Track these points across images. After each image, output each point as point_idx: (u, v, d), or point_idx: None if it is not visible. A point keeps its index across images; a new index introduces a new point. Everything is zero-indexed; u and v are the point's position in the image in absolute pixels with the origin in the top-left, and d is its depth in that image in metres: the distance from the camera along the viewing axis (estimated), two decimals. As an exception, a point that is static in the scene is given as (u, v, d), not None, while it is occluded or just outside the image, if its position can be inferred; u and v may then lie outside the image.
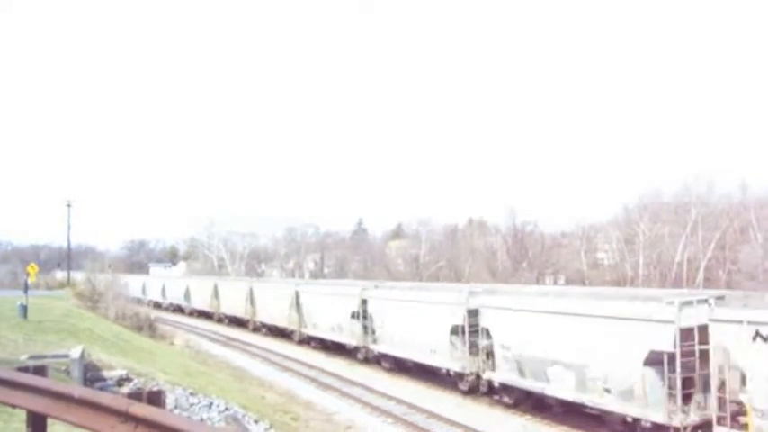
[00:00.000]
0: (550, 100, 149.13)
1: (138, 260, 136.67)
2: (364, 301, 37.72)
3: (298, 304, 46.21)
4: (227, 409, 21.25)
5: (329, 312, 41.47)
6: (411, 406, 27.34)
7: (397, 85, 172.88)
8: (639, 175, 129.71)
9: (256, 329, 53.90)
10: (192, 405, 20.65)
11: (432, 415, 25.81)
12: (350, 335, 39.09)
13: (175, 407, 19.36)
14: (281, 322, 48.50)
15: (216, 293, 63.62)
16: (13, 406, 9.87)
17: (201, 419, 19.22)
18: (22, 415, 9.83)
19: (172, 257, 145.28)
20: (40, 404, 9.07)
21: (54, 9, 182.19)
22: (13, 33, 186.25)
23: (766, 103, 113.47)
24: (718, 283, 62.87)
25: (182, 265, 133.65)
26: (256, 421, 21.12)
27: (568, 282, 75.72)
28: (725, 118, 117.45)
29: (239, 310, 57.07)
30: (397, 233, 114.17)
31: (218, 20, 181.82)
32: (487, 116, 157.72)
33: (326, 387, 32.16)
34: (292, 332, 47.06)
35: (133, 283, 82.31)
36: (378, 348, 36.35)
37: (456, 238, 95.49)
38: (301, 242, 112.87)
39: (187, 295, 72.45)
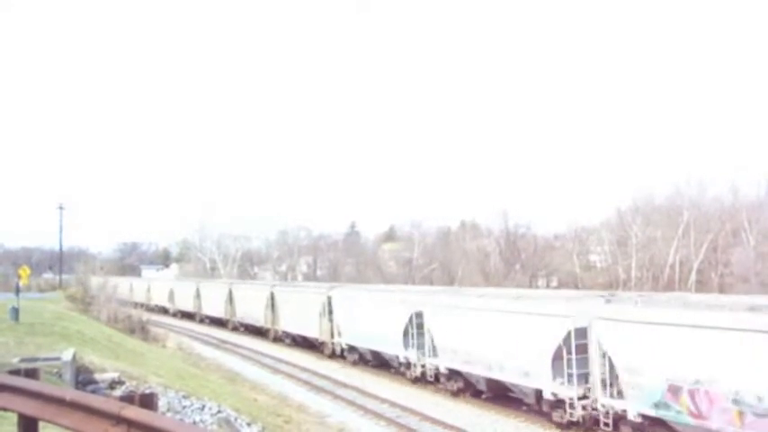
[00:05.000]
0: (543, 103, 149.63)
1: (130, 262, 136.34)
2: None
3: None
4: (219, 411, 21.19)
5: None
6: (405, 409, 27.31)
7: (390, 86, 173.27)
8: (632, 178, 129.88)
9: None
10: (184, 408, 20.57)
11: (425, 417, 25.80)
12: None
13: (168, 410, 19.29)
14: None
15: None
16: (5, 409, 9.82)
17: (194, 422, 19.16)
18: (14, 418, 9.78)
19: (164, 260, 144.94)
20: (31, 407, 9.03)
21: (50, 10, 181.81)
22: (7, 33, 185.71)
23: (757, 107, 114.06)
24: (710, 286, 63.09)
25: (174, 267, 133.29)
26: (249, 424, 21.07)
27: (561, 284, 75.85)
28: (716, 121, 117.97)
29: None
30: (390, 236, 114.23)
31: (209, 21, 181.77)
32: (480, 118, 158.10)
33: (319, 390, 32.13)
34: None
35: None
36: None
37: (449, 240, 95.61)
38: (294, 245, 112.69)
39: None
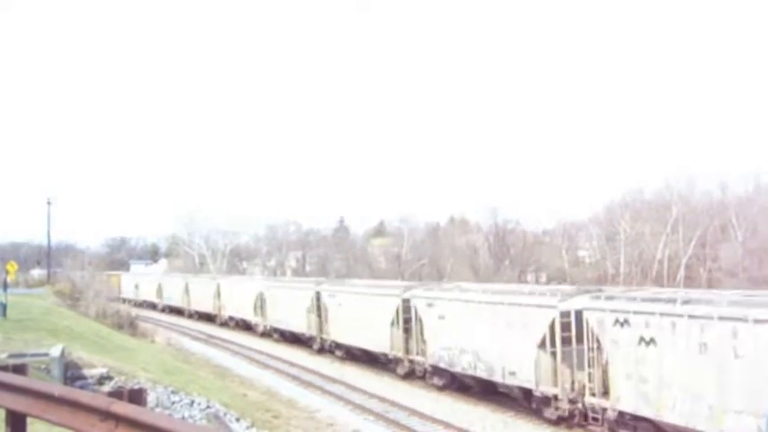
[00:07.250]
0: (532, 98, 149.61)
1: (118, 257, 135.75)
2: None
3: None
4: (208, 407, 21.19)
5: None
6: (393, 403, 27.37)
7: (381, 83, 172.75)
8: (621, 174, 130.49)
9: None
10: (173, 403, 20.55)
11: (413, 412, 25.84)
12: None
13: (157, 405, 19.26)
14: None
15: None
16: (-8, 405, 9.78)
17: (183, 418, 19.14)
18: (1, 414, 9.74)
19: (153, 255, 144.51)
20: (19, 403, 8.99)
21: (47, 7, 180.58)
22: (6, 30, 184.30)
23: (746, 103, 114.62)
24: (698, 281, 63.42)
25: (163, 262, 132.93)
26: (238, 419, 21.08)
27: (550, 280, 76.08)
28: (705, 117, 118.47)
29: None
30: (379, 231, 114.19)
31: (207, 17, 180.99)
32: (470, 114, 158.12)
33: (308, 385, 32.14)
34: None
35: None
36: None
37: (438, 236, 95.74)
38: (283, 240, 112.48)
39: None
